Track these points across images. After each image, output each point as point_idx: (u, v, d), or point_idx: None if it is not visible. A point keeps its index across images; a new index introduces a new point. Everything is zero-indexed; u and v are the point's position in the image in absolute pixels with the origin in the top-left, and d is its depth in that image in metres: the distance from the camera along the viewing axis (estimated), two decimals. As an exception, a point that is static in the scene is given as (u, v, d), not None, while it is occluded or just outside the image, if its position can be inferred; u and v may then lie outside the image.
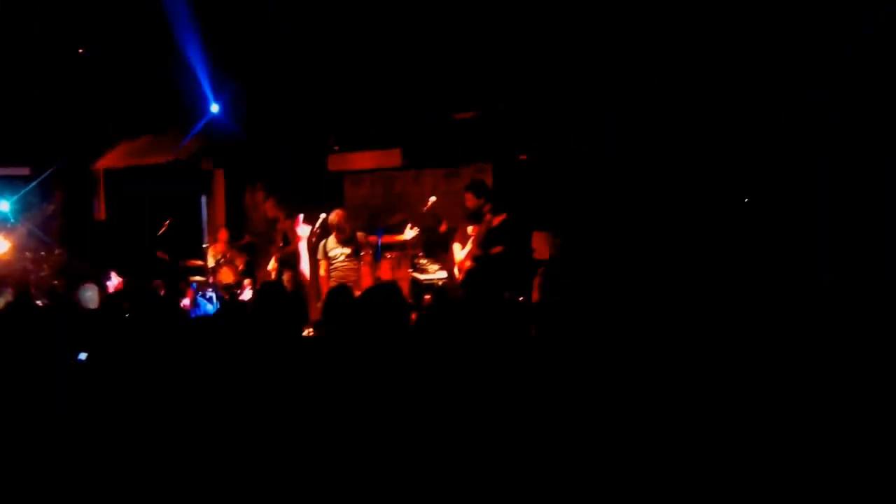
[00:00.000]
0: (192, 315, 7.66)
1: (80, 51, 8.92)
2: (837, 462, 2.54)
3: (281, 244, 8.24)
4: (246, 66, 8.97)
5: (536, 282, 6.84)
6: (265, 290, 4.12)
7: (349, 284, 5.32)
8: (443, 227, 7.37)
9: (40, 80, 9.13)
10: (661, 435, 2.67)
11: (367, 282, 7.13)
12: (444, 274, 8.04)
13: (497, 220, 6.86)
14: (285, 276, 7.86)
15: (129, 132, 10.41)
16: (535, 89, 8.37)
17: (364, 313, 3.23)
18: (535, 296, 6.15)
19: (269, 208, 8.60)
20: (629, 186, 7.56)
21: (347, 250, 7.31)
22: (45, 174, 9.77)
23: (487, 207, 6.89)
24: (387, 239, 7.62)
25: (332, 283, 6.87)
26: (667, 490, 2.51)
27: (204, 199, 10.94)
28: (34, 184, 9.81)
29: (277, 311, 3.58)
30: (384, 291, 3.37)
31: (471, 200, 6.91)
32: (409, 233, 7.49)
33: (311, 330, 5.78)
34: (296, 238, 7.59)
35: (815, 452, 2.59)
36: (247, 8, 8.34)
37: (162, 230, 9.06)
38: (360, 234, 7.43)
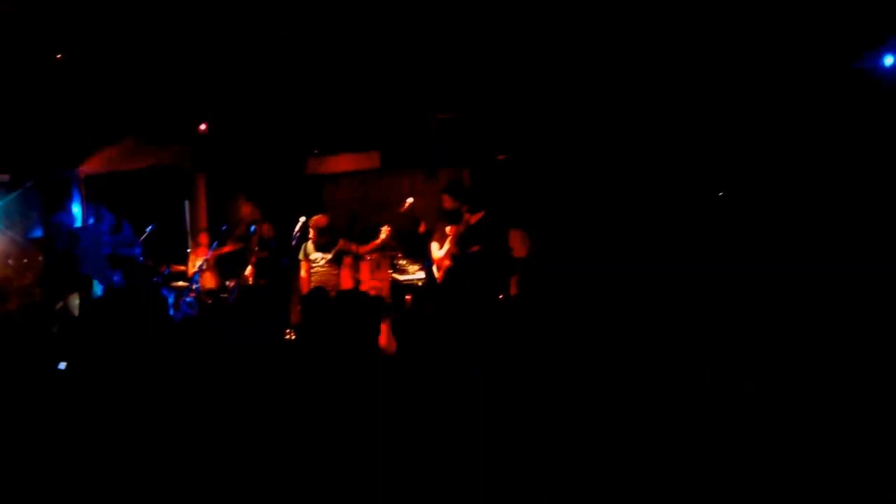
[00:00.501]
0: (176, 319, 7.71)
1: (59, 56, 8.89)
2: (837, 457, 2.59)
3: (257, 248, 8.26)
4: (231, 72, 8.97)
5: (514, 279, 6.96)
6: (243, 294, 4.22)
7: (328, 288, 5.41)
8: (421, 228, 7.44)
9: (19, 85, 9.09)
10: (655, 429, 2.72)
11: (347, 285, 7.20)
12: (423, 274, 8.12)
13: (475, 219, 6.95)
14: (261, 281, 7.90)
15: (110, 137, 10.38)
16: (512, 90, 8.44)
17: (337, 323, 3.29)
18: (514, 292, 6.26)
19: (245, 212, 8.64)
20: (622, 183, 7.63)
21: (329, 255, 7.41)
22: (28, 182, 9.73)
23: (465, 208, 6.97)
24: (364, 248, 7.70)
25: (312, 286, 6.95)
26: (661, 486, 2.56)
27: (187, 204, 10.95)
28: (16, 192, 9.78)
29: (255, 315, 3.67)
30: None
31: (448, 202, 6.99)
32: (383, 233, 7.55)
33: (291, 333, 5.89)
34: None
35: (812, 449, 2.63)
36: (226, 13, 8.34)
37: (144, 236, 9.09)
38: (341, 241, 7.51)
